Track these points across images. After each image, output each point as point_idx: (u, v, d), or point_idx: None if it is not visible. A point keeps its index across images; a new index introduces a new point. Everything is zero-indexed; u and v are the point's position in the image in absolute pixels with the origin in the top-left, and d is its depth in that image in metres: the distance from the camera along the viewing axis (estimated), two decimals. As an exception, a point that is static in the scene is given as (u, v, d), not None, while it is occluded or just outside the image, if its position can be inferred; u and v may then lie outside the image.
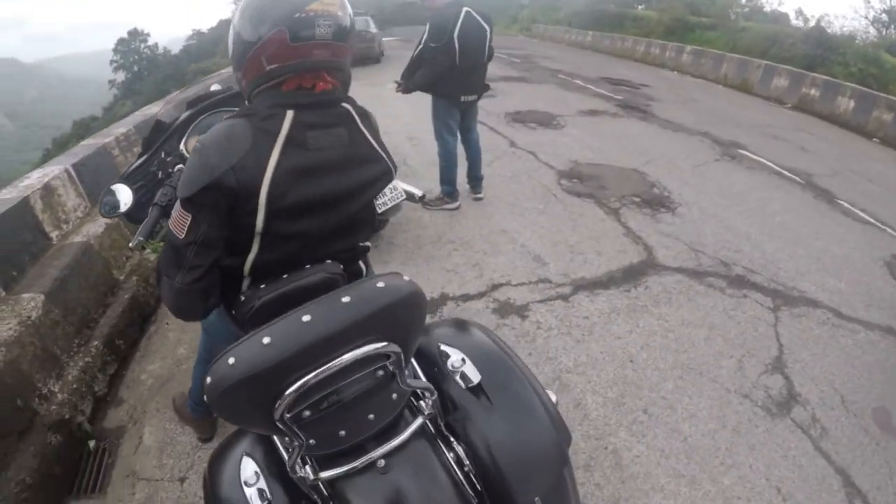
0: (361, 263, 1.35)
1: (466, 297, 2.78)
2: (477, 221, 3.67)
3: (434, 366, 1.17)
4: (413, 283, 0.96)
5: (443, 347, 1.18)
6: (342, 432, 0.94)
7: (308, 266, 1.16)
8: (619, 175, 4.66)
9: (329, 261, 1.19)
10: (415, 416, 1.01)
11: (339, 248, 1.22)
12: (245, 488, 0.97)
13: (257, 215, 1.04)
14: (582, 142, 5.66)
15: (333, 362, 0.85)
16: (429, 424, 1.05)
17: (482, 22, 3.40)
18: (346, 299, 0.89)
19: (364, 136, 1.20)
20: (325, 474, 0.92)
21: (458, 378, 1.12)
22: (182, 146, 2.00)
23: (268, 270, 1.13)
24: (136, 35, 52.69)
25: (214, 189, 0.98)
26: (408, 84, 3.55)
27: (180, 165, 1.87)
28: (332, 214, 1.16)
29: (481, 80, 3.59)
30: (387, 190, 3.06)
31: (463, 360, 1.15)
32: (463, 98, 3.50)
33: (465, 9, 3.33)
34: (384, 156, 1.23)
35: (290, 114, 1.07)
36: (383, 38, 14.77)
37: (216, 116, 2.09)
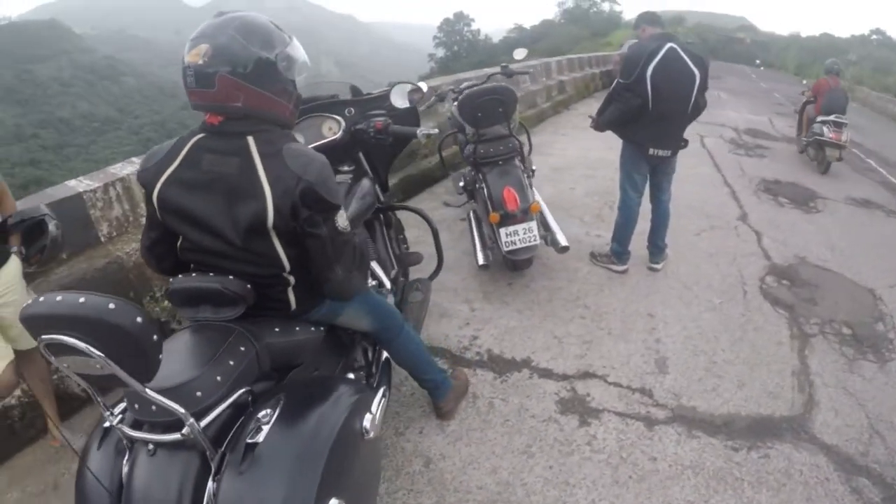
0: (290, 294, 1.49)
1: (545, 373, 2.61)
2: (630, 294, 3.28)
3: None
4: (128, 312, 1.01)
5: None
6: (136, 405, 1.18)
7: (211, 274, 1.40)
8: (844, 291, 3.50)
9: (232, 277, 1.39)
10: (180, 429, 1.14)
11: (246, 270, 1.40)
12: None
13: (156, 210, 1.38)
14: (827, 236, 4.40)
15: (51, 336, 1.02)
16: (197, 438, 1.14)
17: (691, 65, 2.89)
18: (80, 298, 1.03)
19: (255, 171, 1.29)
20: (129, 432, 1.17)
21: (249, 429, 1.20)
22: None
23: (188, 264, 1.48)
24: (461, 17, 57.46)
25: (140, 183, 1.39)
26: (598, 121, 3.30)
27: None
28: (210, 231, 1.35)
29: (678, 134, 3.09)
30: (519, 229, 2.98)
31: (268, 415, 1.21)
32: (652, 150, 3.09)
33: (668, 44, 2.87)
34: (268, 198, 1.28)
35: (196, 137, 1.34)
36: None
37: (311, 120, 2.40)
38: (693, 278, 3.47)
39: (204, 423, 1.16)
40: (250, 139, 1.31)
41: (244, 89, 1.28)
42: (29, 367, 2.05)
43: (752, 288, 3.38)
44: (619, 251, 3.46)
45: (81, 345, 1.01)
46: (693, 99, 2.95)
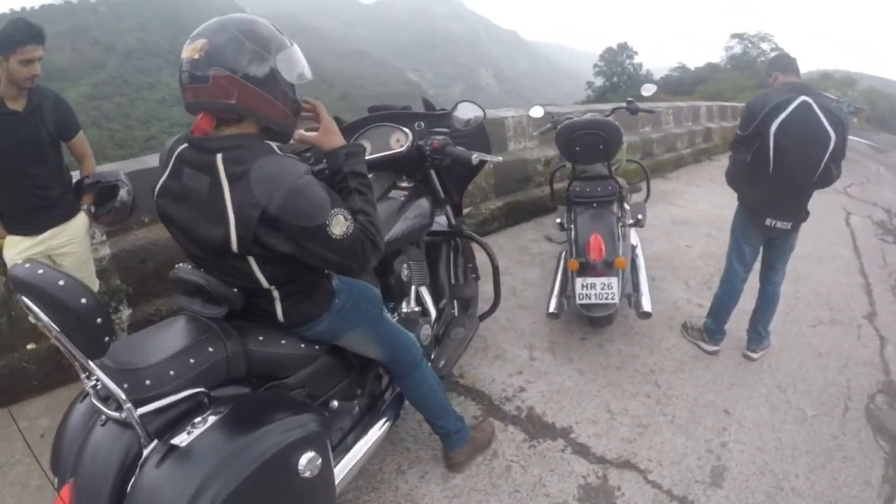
0: (277, 307, 1.49)
1: (581, 449, 2.31)
2: (711, 381, 2.81)
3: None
4: (74, 291, 1.08)
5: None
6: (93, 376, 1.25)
7: (202, 270, 1.46)
8: None
9: (218, 282, 1.43)
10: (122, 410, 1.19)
11: (227, 281, 1.43)
12: None
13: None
14: None
15: (21, 297, 1.16)
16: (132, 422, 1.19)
17: (826, 124, 2.36)
18: (38, 269, 1.15)
19: (222, 194, 1.25)
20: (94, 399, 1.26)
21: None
22: None
23: None
24: (624, 49, 55.04)
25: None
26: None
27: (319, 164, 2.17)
28: (192, 242, 1.38)
29: (800, 205, 2.57)
30: (597, 282, 2.73)
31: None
32: (769, 221, 2.60)
33: (801, 98, 2.40)
34: (231, 225, 1.25)
35: (181, 146, 1.36)
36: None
37: (382, 129, 2.37)
38: (791, 378, 2.86)
39: (143, 410, 1.19)
40: (219, 157, 1.27)
41: (239, 85, 1.24)
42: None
43: (857, 405, 2.68)
44: (712, 329, 2.98)
45: (35, 310, 1.12)
46: (823, 165, 2.43)
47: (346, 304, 1.64)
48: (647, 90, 3.67)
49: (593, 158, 3.02)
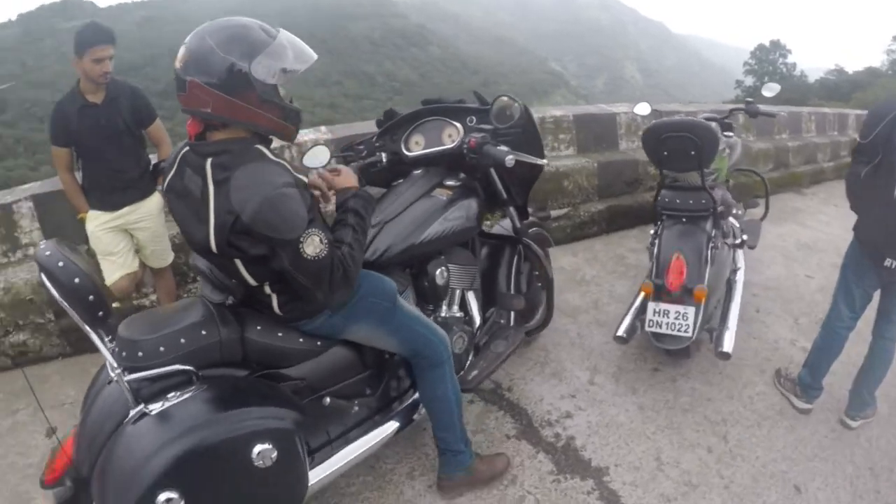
0: (273, 301, 1.54)
1: (611, 498, 2.09)
2: (792, 446, 2.37)
3: None
4: (68, 273, 1.29)
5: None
6: None
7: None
8: None
9: (220, 272, 1.56)
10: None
11: (227, 274, 1.54)
12: None
13: None
14: None
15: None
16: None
17: None
18: (47, 252, 1.34)
19: (207, 198, 1.33)
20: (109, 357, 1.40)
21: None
22: (402, 142, 2.32)
23: None
24: (777, 47, 50.66)
25: None
26: None
27: (381, 155, 2.22)
28: (186, 237, 1.49)
29: None
30: (671, 310, 2.45)
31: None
32: (889, 261, 2.06)
33: None
34: (211, 229, 1.33)
35: (184, 148, 1.44)
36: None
37: (437, 123, 2.29)
38: (889, 461, 2.29)
39: (131, 377, 1.33)
40: (208, 162, 1.34)
41: (212, 95, 1.30)
42: (159, 282, 2.65)
43: None
44: (806, 382, 2.49)
45: (47, 285, 1.31)
46: None
47: (350, 300, 1.60)
48: (770, 90, 3.13)
49: (685, 166, 2.65)
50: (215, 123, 1.36)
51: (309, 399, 1.69)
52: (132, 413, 1.33)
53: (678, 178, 2.77)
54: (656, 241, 2.74)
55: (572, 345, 3.02)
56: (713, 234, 2.65)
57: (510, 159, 1.95)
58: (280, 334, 1.61)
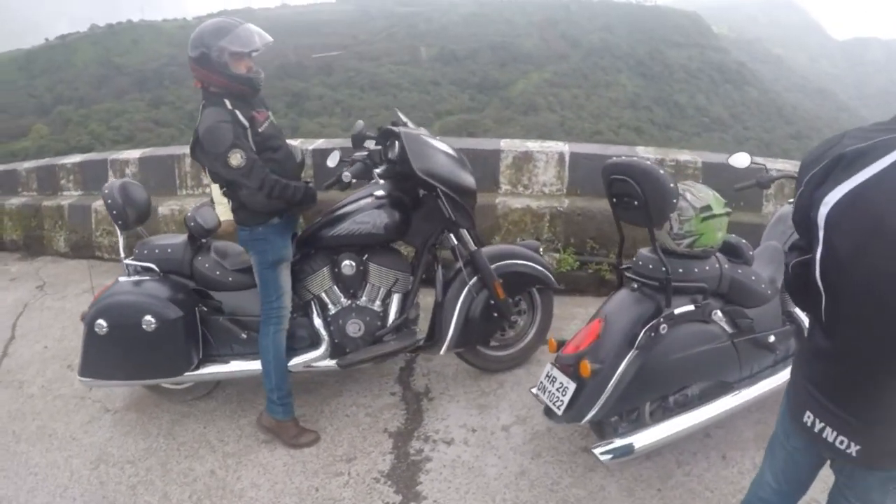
0: (230, 205, 2.52)
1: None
2: None
3: None
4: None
5: None
6: None
7: None
8: None
9: None
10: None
11: None
12: None
13: None
14: None
15: None
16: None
17: None
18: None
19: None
20: None
21: None
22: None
23: None
24: None
25: None
26: None
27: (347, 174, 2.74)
28: None
29: (877, 393, 1.14)
30: (559, 378, 2.19)
31: None
32: (807, 415, 1.24)
33: None
34: (191, 142, 2.34)
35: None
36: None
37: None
38: None
39: None
40: (202, 104, 2.27)
41: (192, 65, 2.24)
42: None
43: None
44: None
45: None
46: None
47: (258, 236, 2.39)
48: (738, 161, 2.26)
49: (633, 218, 2.10)
50: (204, 84, 2.27)
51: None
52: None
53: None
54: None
55: (528, 390, 2.77)
56: (667, 312, 2.01)
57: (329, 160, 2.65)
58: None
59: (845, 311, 1.14)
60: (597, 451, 2.04)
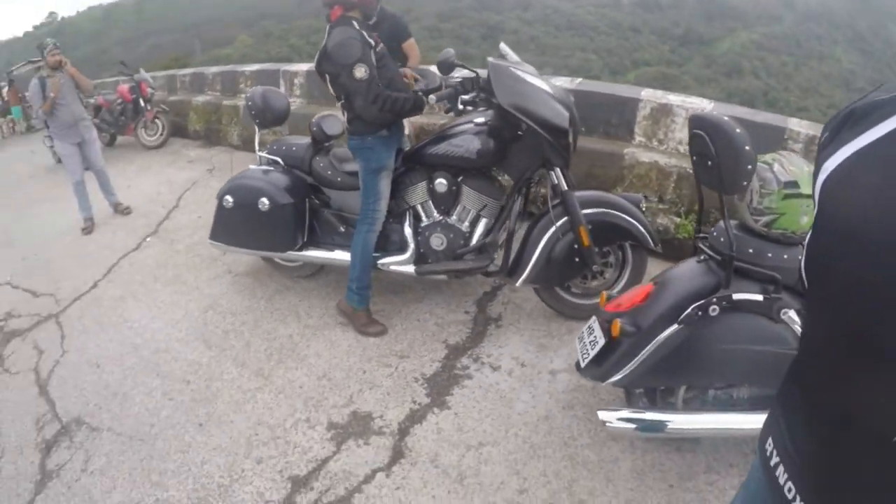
0: (345, 115, 2.72)
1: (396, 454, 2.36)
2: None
3: None
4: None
5: None
6: None
7: None
8: None
9: None
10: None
11: None
12: None
13: None
14: None
15: None
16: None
17: None
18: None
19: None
20: None
21: None
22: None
23: None
24: None
25: None
26: None
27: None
28: None
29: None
30: (596, 329, 2.22)
31: None
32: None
33: None
34: (317, 55, 2.57)
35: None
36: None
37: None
38: None
39: None
40: (330, 25, 2.53)
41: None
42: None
43: None
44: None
45: None
46: None
47: (367, 145, 2.63)
48: None
49: (706, 180, 1.95)
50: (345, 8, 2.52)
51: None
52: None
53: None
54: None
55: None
56: (723, 293, 1.86)
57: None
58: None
59: (823, 323, 0.78)
60: (602, 413, 1.93)
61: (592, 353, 1.99)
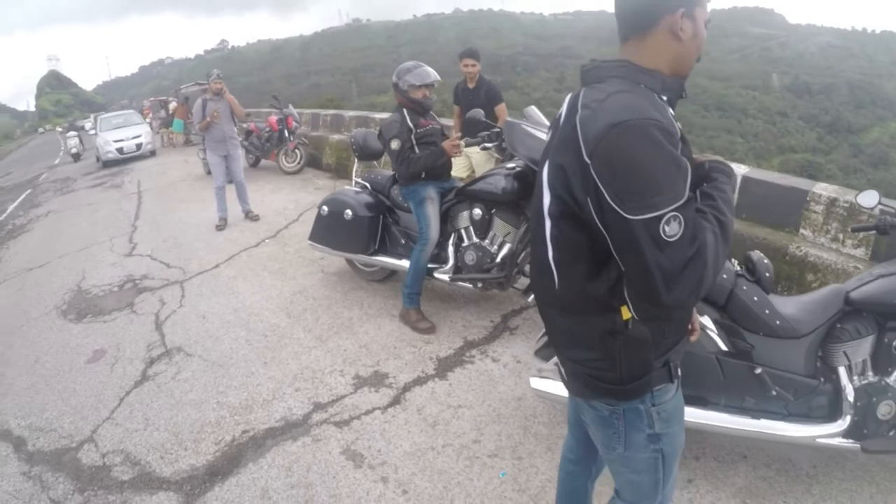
0: None
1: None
2: None
3: None
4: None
5: None
6: None
7: None
8: None
9: None
10: None
11: None
12: None
13: None
14: None
15: None
16: None
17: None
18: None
19: None
20: None
21: None
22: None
23: None
24: None
25: None
26: None
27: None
28: None
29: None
30: None
31: None
32: None
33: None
34: None
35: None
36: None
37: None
38: None
39: None
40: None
41: (394, 89, 3.49)
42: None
43: None
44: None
45: None
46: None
47: (410, 190, 3.50)
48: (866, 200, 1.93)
49: None
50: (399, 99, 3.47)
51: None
52: None
53: None
54: None
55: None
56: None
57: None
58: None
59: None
60: (533, 380, 2.38)
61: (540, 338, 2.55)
